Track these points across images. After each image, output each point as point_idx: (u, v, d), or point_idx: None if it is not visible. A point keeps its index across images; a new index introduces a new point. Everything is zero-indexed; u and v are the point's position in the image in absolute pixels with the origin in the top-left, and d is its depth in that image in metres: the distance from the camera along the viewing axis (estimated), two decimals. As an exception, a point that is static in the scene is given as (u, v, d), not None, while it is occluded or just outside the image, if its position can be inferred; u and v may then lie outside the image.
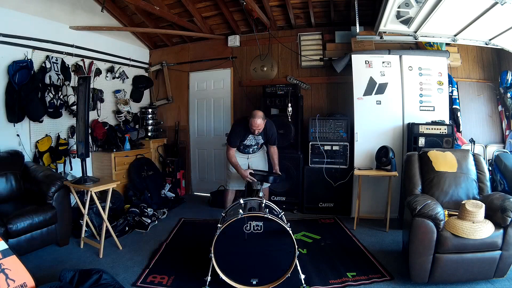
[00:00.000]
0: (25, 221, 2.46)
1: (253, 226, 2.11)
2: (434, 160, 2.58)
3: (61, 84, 3.53)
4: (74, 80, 3.70)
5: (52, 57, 3.47)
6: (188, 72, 4.94)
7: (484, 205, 2.06)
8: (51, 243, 2.79)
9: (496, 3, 2.33)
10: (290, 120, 3.79)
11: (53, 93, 3.46)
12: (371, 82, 3.59)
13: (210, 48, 4.78)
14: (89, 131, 3.62)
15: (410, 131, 3.37)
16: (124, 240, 3.04)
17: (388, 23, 3.12)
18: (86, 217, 2.88)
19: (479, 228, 1.98)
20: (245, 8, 3.78)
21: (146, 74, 5.08)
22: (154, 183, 4.29)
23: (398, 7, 2.82)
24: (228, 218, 2.22)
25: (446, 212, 2.22)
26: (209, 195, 4.45)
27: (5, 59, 3.11)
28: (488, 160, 3.48)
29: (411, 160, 2.70)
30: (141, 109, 4.89)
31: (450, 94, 3.65)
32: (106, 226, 2.78)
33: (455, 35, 3.21)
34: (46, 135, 3.48)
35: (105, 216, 2.77)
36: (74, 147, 3.51)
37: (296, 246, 2.10)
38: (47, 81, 3.38)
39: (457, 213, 2.14)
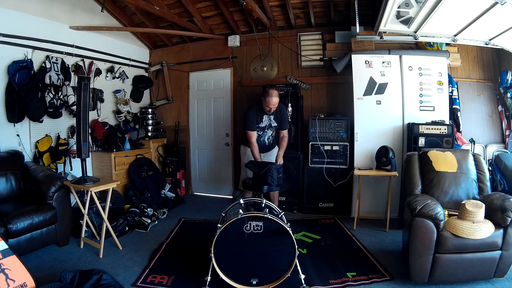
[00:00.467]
0: (25, 221, 2.46)
1: (253, 226, 2.11)
2: (434, 160, 2.58)
3: (61, 84, 3.52)
4: (74, 80, 3.70)
5: (52, 57, 3.47)
6: (188, 72, 4.93)
7: (484, 205, 2.06)
8: (51, 243, 2.79)
9: (496, 3, 2.33)
10: (290, 120, 3.79)
11: (53, 93, 3.46)
12: (371, 82, 3.59)
13: (210, 48, 4.77)
14: (89, 131, 3.62)
15: (410, 131, 3.38)
16: (124, 240, 3.04)
17: (388, 23, 3.12)
18: (86, 217, 2.88)
19: (479, 228, 1.98)
20: (245, 8, 3.78)
21: (146, 74, 5.07)
22: (154, 183, 4.29)
23: (398, 7, 2.82)
24: (228, 218, 2.22)
25: (446, 212, 2.22)
26: (209, 195, 4.42)
27: (5, 59, 3.10)
28: (488, 160, 3.48)
29: (411, 160, 2.70)
30: (141, 109, 4.89)
31: (450, 94, 3.65)
32: (106, 226, 2.78)
33: (455, 35, 3.21)
34: (46, 135, 3.48)
35: (105, 216, 2.77)
36: (74, 147, 3.51)
37: (296, 246, 2.10)
38: (47, 81, 3.37)
39: (457, 213, 2.14)
